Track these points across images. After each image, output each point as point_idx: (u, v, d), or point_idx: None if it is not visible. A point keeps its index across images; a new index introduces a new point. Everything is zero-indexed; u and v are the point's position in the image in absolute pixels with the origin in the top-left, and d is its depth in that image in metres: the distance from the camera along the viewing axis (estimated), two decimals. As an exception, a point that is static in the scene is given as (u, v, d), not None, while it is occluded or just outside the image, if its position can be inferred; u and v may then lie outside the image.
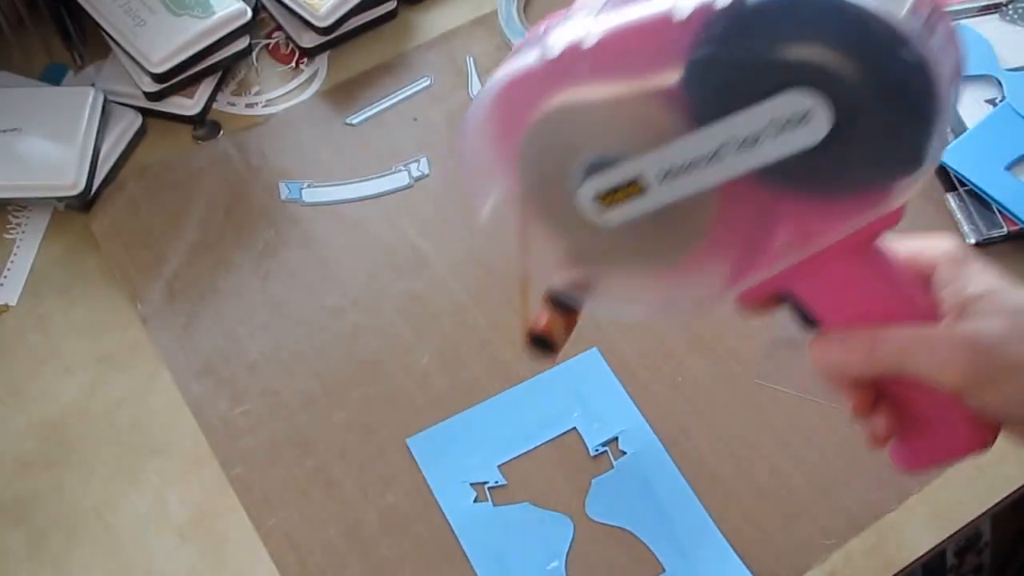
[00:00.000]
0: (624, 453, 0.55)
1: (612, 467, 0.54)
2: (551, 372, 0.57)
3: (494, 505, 0.53)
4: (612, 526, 0.53)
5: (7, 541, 0.53)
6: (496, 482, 0.54)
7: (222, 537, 0.53)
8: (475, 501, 0.53)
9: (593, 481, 0.54)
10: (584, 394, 0.57)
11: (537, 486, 0.54)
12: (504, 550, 0.52)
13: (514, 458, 0.55)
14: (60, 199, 0.62)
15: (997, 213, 0.62)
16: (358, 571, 0.52)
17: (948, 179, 0.64)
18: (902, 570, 0.52)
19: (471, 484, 0.54)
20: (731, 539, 0.52)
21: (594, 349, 0.58)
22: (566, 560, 0.52)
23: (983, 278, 0.38)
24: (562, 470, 0.54)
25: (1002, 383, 0.35)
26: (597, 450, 0.55)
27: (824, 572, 0.52)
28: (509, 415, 0.56)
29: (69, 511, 0.54)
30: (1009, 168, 0.63)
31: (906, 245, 0.39)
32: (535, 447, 0.55)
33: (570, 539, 0.52)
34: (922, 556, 0.53)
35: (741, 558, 0.52)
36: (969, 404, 0.37)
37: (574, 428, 0.56)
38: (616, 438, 0.55)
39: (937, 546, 0.53)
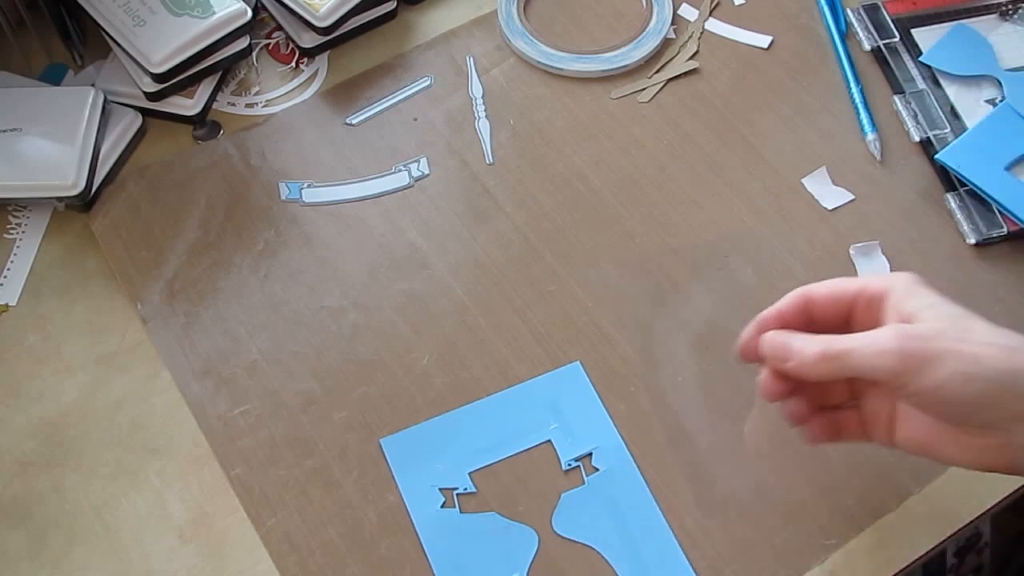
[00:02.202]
0: (597, 470, 0.54)
1: (583, 483, 0.54)
2: (531, 383, 0.57)
3: (461, 512, 0.53)
4: (578, 542, 0.52)
5: (7, 541, 0.53)
6: (465, 489, 0.54)
7: (222, 537, 0.53)
8: (442, 506, 0.53)
9: (563, 495, 0.53)
10: (562, 407, 0.56)
11: (507, 496, 0.54)
12: (466, 558, 0.51)
13: (486, 466, 0.54)
14: (60, 199, 0.62)
15: (997, 213, 0.62)
16: (358, 571, 0.52)
17: (948, 179, 0.64)
18: (902, 570, 0.52)
19: (440, 489, 0.54)
20: (731, 539, 0.52)
21: (576, 363, 0.58)
22: (528, 573, 0.51)
23: (929, 297, 0.43)
24: (533, 482, 0.54)
25: (935, 367, 0.39)
26: (570, 464, 0.54)
27: (824, 572, 0.52)
28: (485, 422, 0.56)
29: (69, 511, 0.54)
30: (1009, 168, 0.63)
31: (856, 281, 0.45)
32: (508, 456, 0.55)
33: (534, 552, 0.52)
34: (922, 556, 0.53)
35: (741, 558, 0.52)
36: (903, 395, 0.41)
37: (549, 440, 0.55)
38: (590, 454, 0.55)
39: (937, 546, 0.53)
